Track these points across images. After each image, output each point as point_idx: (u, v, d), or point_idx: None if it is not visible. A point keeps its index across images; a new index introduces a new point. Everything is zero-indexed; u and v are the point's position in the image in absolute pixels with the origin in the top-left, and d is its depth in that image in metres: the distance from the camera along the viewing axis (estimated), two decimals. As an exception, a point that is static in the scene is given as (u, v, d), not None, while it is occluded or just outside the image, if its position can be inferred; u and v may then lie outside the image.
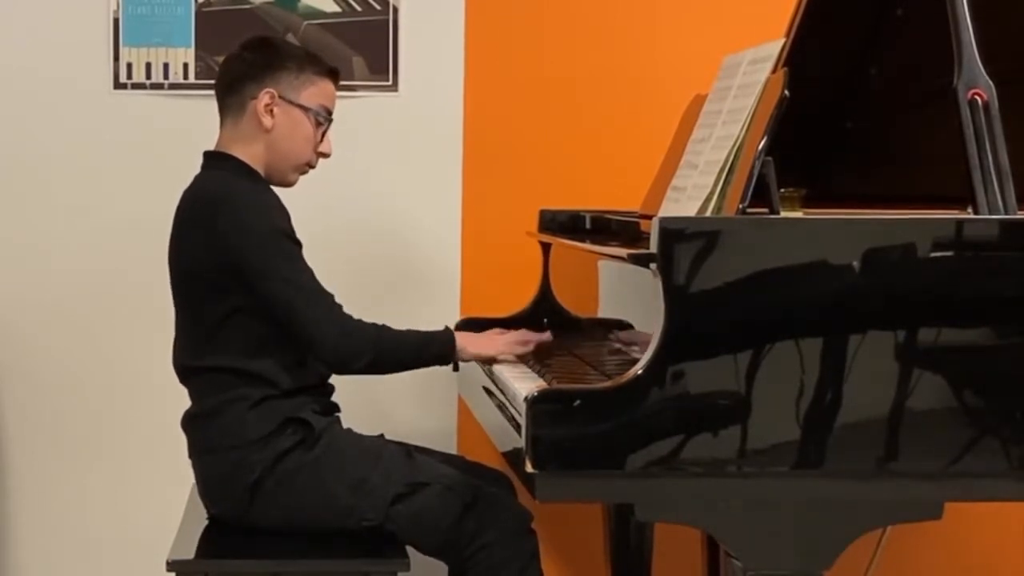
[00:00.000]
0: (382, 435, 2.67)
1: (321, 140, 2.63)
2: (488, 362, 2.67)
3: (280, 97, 2.58)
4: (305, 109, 2.60)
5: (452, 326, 3.05)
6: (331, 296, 2.51)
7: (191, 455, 2.59)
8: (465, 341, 2.62)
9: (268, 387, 2.50)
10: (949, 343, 2.09)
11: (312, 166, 2.67)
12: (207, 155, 2.63)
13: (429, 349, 2.59)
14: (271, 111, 2.58)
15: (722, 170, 2.27)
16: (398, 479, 2.51)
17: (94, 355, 3.32)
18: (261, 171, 2.61)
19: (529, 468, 2.04)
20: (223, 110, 2.63)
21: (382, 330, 2.53)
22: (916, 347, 2.07)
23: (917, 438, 2.08)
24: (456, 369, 2.94)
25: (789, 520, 2.12)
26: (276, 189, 2.62)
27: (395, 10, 3.28)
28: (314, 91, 2.61)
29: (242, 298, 2.48)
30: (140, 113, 3.28)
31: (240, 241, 2.46)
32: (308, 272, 2.51)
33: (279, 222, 2.50)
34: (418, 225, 3.34)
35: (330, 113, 2.64)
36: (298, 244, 2.52)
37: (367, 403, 3.21)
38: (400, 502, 2.50)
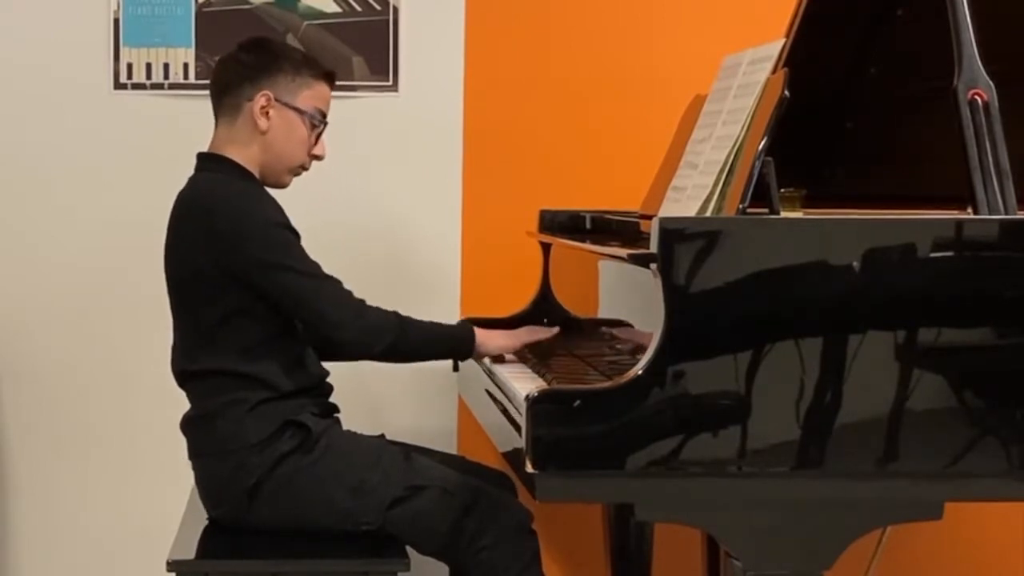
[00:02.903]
0: (383, 435, 2.67)
1: (315, 143, 2.64)
2: (499, 359, 2.69)
3: (276, 100, 2.57)
4: (301, 112, 2.59)
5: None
6: (340, 281, 2.52)
7: (191, 457, 2.59)
8: (485, 336, 2.64)
9: (266, 389, 2.50)
10: (949, 343, 2.09)
11: (305, 168, 2.66)
12: (201, 156, 2.63)
13: (449, 340, 2.63)
14: (267, 113, 2.57)
15: (722, 170, 2.27)
16: (396, 482, 2.51)
17: (94, 355, 3.32)
18: (255, 172, 2.60)
19: (529, 468, 2.04)
20: (218, 111, 2.63)
21: (403, 316, 2.55)
22: (916, 347, 2.07)
23: (917, 438, 2.08)
24: (456, 369, 2.94)
25: (789, 520, 2.12)
26: (273, 190, 2.62)
27: (395, 10, 3.28)
28: (310, 94, 2.61)
29: (240, 300, 2.48)
30: (140, 113, 3.28)
31: (241, 239, 2.46)
32: (313, 260, 2.52)
33: (276, 215, 2.51)
34: (418, 225, 3.34)
35: (325, 116, 2.64)
36: (297, 235, 2.53)
37: (367, 403, 3.21)
38: (398, 505, 2.50)
